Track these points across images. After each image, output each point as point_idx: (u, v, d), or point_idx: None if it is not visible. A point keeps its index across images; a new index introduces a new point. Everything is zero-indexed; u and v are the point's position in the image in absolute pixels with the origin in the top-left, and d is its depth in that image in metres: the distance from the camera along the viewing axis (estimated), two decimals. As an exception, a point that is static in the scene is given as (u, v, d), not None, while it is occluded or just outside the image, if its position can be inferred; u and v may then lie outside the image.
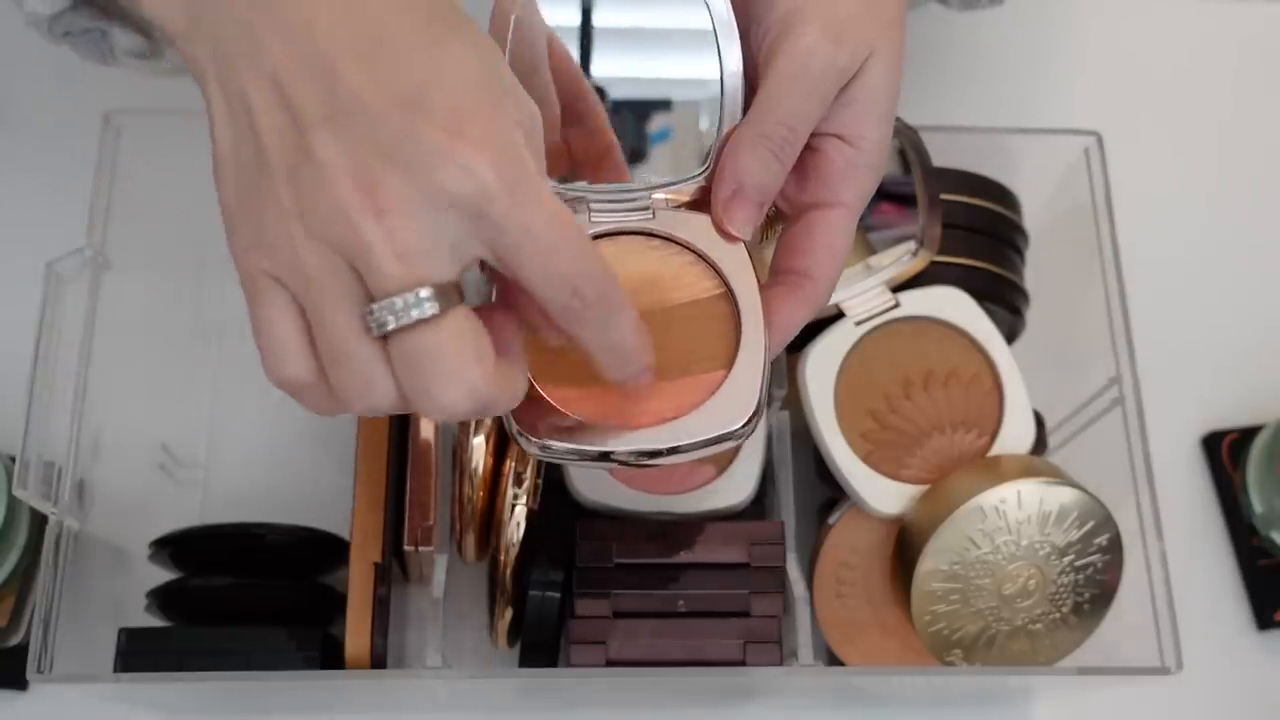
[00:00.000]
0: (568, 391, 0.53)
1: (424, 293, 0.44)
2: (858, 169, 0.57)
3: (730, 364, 0.55)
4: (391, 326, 0.44)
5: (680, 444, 0.54)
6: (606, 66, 0.59)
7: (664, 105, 0.61)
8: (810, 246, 0.57)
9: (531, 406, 0.52)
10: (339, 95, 0.43)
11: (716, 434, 0.54)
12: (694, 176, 0.58)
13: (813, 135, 0.56)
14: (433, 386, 0.45)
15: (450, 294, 0.44)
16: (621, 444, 0.53)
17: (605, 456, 0.53)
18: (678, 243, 0.58)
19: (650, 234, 0.58)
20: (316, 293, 0.44)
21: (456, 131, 0.43)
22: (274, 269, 0.45)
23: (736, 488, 0.71)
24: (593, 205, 0.57)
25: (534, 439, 0.53)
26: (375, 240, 0.43)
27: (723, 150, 0.56)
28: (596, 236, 0.57)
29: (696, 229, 0.58)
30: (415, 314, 0.44)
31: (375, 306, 0.44)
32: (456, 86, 0.44)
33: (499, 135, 0.44)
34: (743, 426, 0.54)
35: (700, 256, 0.58)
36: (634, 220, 0.58)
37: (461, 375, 0.45)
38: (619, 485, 0.70)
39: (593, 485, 0.70)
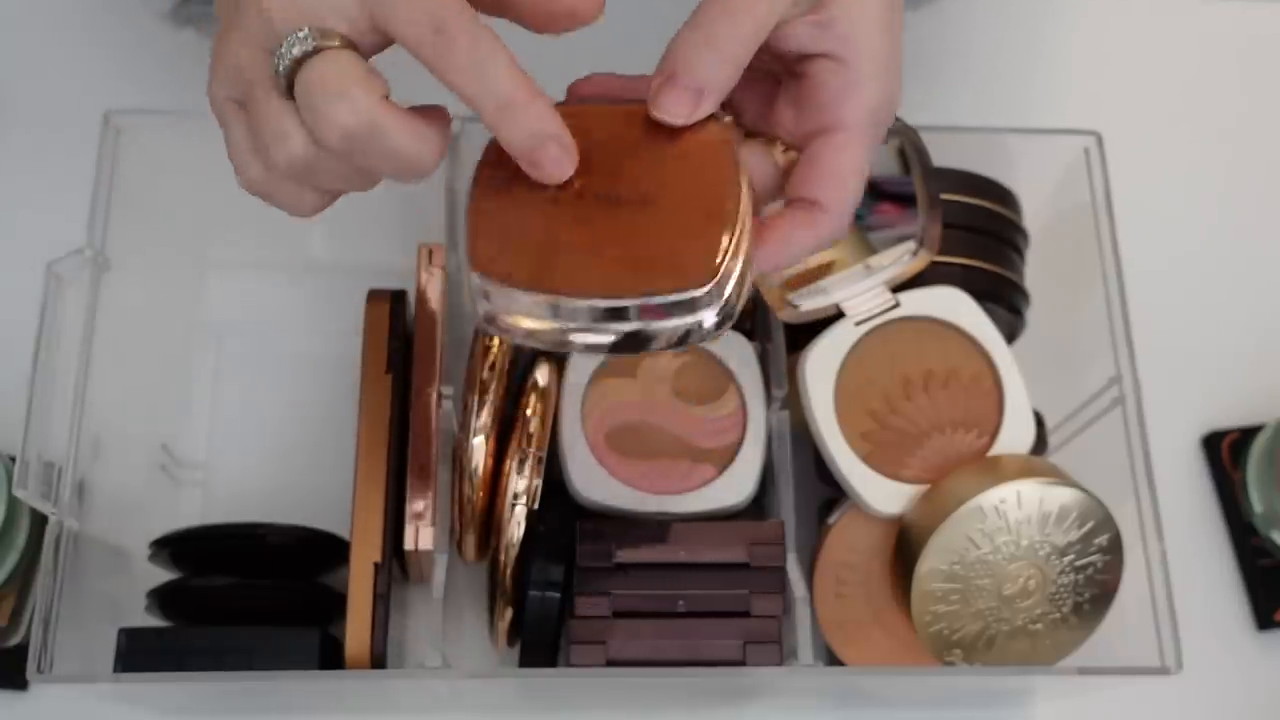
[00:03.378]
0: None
1: (302, 32, 0.49)
2: (855, 86, 0.55)
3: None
4: (283, 67, 0.50)
5: (633, 303, 0.52)
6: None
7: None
8: (816, 174, 0.55)
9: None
10: None
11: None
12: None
13: (800, 60, 0.55)
14: (320, 105, 0.49)
15: (330, 35, 0.50)
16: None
17: (557, 313, 0.52)
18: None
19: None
20: (245, 75, 0.51)
21: None
22: (227, 87, 0.53)
23: (736, 487, 0.71)
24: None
25: (495, 320, 0.53)
26: (270, 9, 0.50)
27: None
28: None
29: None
30: (298, 50, 0.49)
31: (273, 62, 0.50)
32: None
33: None
34: (705, 293, 0.52)
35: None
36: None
37: (344, 93, 0.49)
38: (620, 486, 0.70)
39: (592, 485, 0.70)
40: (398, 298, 0.75)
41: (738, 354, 0.73)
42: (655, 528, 0.69)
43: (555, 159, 0.52)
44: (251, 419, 0.83)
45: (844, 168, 0.55)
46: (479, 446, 0.70)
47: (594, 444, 0.71)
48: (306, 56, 0.49)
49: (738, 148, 0.55)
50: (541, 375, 0.72)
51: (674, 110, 0.54)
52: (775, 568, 0.68)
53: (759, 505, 0.72)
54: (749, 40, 0.53)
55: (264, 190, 0.56)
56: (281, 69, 0.50)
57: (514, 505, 0.70)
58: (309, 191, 0.55)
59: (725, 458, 0.72)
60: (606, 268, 0.52)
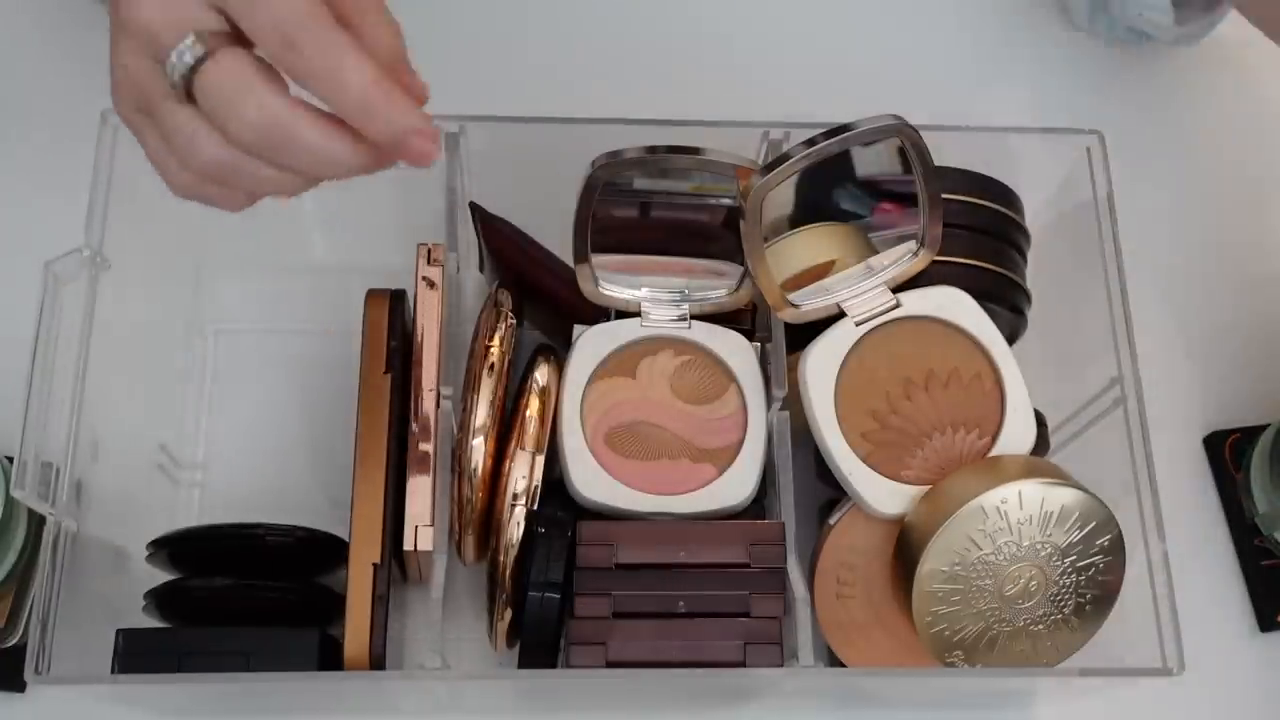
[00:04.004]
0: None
1: (188, 40, 0.50)
2: None
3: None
4: (178, 76, 0.51)
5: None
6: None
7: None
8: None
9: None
10: None
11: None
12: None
13: None
14: (227, 108, 0.50)
15: (214, 38, 0.50)
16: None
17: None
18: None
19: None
20: (143, 90, 0.52)
21: None
22: (129, 100, 0.53)
23: (737, 488, 0.71)
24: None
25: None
26: (143, 20, 0.50)
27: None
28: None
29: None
30: (189, 57, 0.50)
31: (164, 69, 0.51)
32: None
33: None
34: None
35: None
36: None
37: (248, 90, 0.50)
38: (620, 486, 0.70)
39: (592, 486, 0.70)
40: (397, 297, 0.75)
41: (738, 353, 0.73)
42: (655, 528, 0.69)
43: (420, 149, 0.51)
44: (250, 419, 0.83)
45: None
46: (479, 446, 0.70)
47: (594, 444, 0.71)
48: (199, 62, 0.50)
49: None
50: (541, 375, 0.71)
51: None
52: (775, 568, 0.68)
53: (759, 505, 0.72)
54: None
55: (193, 194, 0.56)
56: (177, 78, 0.51)
57: (514, 505, 0.70)
58: (238, 191, 0.56)
59: (726, 458, 0.71)
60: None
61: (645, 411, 0.72)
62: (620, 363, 0.73)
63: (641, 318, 0.73)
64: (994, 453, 0.70)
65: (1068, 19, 0.95)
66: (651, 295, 0.73)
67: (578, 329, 0.73)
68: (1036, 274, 0.77)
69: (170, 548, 0.72)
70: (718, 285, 0.73)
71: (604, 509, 0.70)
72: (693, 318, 0.73)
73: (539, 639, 0.70)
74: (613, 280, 0.72)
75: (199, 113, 0.51)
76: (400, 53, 0.53)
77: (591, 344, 0.73)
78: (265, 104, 0.50)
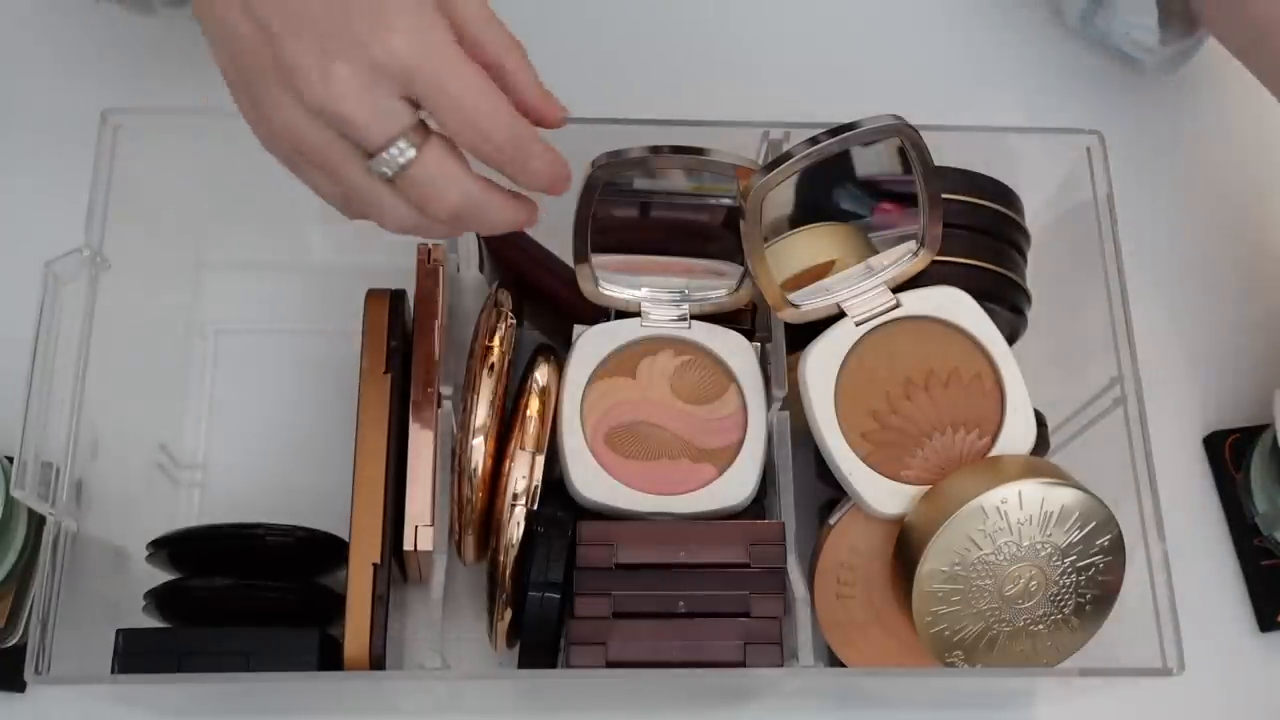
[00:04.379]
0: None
1: (401, 143, 0.56)
2: None
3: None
4: (390, 174, 0.57)
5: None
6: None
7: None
8: None
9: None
10: (290, 8, 0.55)
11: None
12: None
13: None
14: (436, 200, 0.58)
15: (420, 133, 0.57)
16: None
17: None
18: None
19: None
20: (327, 159, 0.57)
21: (382, 23, 0.55)
22: (293, 149, 0.58)
23: (737, 488, 0.71)
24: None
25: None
26: (351, 114, 0.55)
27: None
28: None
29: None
30: (402, 160, 0.56)
31: (371, 164, 0.57)
32: None
33: (417, 22, 0.55)
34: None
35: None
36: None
37: (453, 183, 0.58)
38: (620, 486, 0.70)
39: (592, 486, 0.70)
40: (397, 297, 0.75)
41: (738, 353, 0.73)
42: (655, 528, 0.69)
43: (562, 188, 0.61)
44: (250, 419, 0.83)
45: None
46: (479, 446, 0.70)
47: (594, 444, 0.71)
48: (411, 162, 0.57)
49: None
50: (541, 375, 0.71)
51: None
52: (775, 568, 0.68)
53: (759, 505, 0.72)
54: None
55: (375, 219, 0.61)
56: (388, 173, 0.57)
57: (514, 505, 0.70)
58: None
59: (726, 458, 0.71)
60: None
61: (645, 411, 0.72)
62: (620, 363, 0.72)
63: (641, 318, 0.73)
64: (994, 453, 0.70)
65: (1062, 19, 0.94)
66: (651, 295, 0.73)
67: (578, 329, 0.73)
68: (1036, 274, 0.77)
69: (170, 548, 0.72)
70: (718, 285, 0.73)
71: (604, 509, 0.70)
72: (693, 318, 0.73)
73: (539, 639, 0.70)
74: (613, 280, 0.72)
75: (395, 190, 0.58)
76: (540, 85, 0.60)
77: (591, 344, 0.72)
78: (467, 191, 0.58)
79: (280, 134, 0.57)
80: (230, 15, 0.56)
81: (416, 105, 0.56)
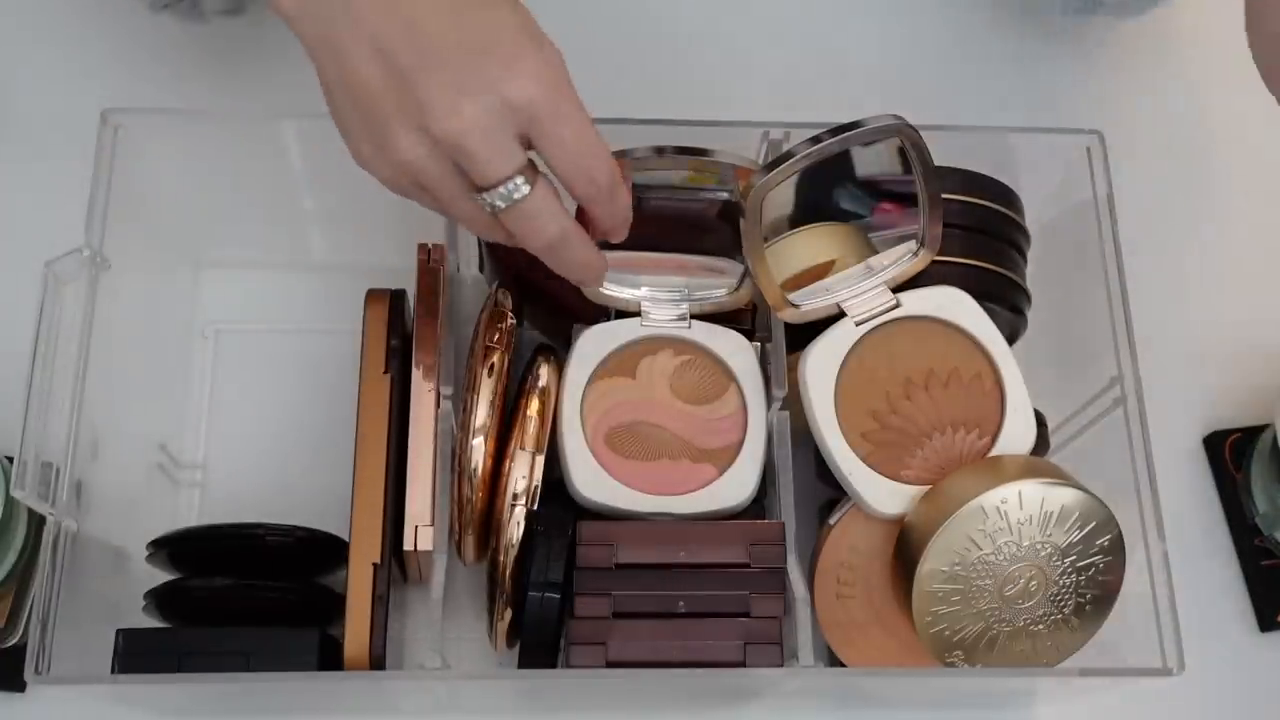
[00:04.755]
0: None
1: (518, 179, 0.60)
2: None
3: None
4: (503, 207, 0.60)
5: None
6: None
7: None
8: None
9: None
10: (424, 47, 0.57)
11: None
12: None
13: None
14: (536, 233, 0.61)
15: (532, 173, 0.60)
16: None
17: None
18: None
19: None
20: (440, 188, 0.61)
21: (512, 66, 0.58)
22: (411, 182, 0.61)
23: (738, 488, 0.71)
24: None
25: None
26: (475, 150, 0.58)
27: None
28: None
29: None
30: (517, 195, 0.60)
31: (486, 196, 0.60)
32: (507, 34, 0.59)
33: (542, 67, 0.59)
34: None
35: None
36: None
37: (554, 220, 0.61)
38: (620, 486, 0.70)
39: (592, 486, 0.70)
40: (397, 297, 0.75)
41: (739, 353, 0.73)
42: (655, 528, 0.69)
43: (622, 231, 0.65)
44: (250, 419, 0.83)
45: None
46: (479, 446, 0.70)
47: (594, 444, 0.71)
48: (524, 198, 0.60)
49: None
50: (541, 375, 0.71)
51: None
52: (775, 568, 0.68)
53: (759, 505, 0.72)
54: None
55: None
56: (501, 205, 0.60)
57: (514, 505, 0.70)
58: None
59: (726, 458, 0.71)
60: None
61: (645, 412, 0.72)
62: (620, 363, 0.72)
63: (641, 317, 0.73)
64: (994, 453, 0.70)
65: (1067, 18, 0.94)
66: (651, 295, 0.73)
67: (577, 329, 0.73)
68: (1036, 274, 0.77)
69: (170, 548, 0.72)
70: (718, 284, 0.73)
71: (604, 509, 0.70)
72: (693, 317, 0.73)
73: (539, 639, 0.70)
74: (612, 279, 0.72)
75: (497, 219, 0.61)
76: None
77: (591, 344, 0.72)
78: (565, 228, 0.61)
79: (402, 168, 0.60)
80: (353, 47, 0.58)
81: (528, 145, 0.60)
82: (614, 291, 0.72)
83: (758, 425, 0.72)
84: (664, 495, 0.70)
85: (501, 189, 0.59)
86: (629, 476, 0.70)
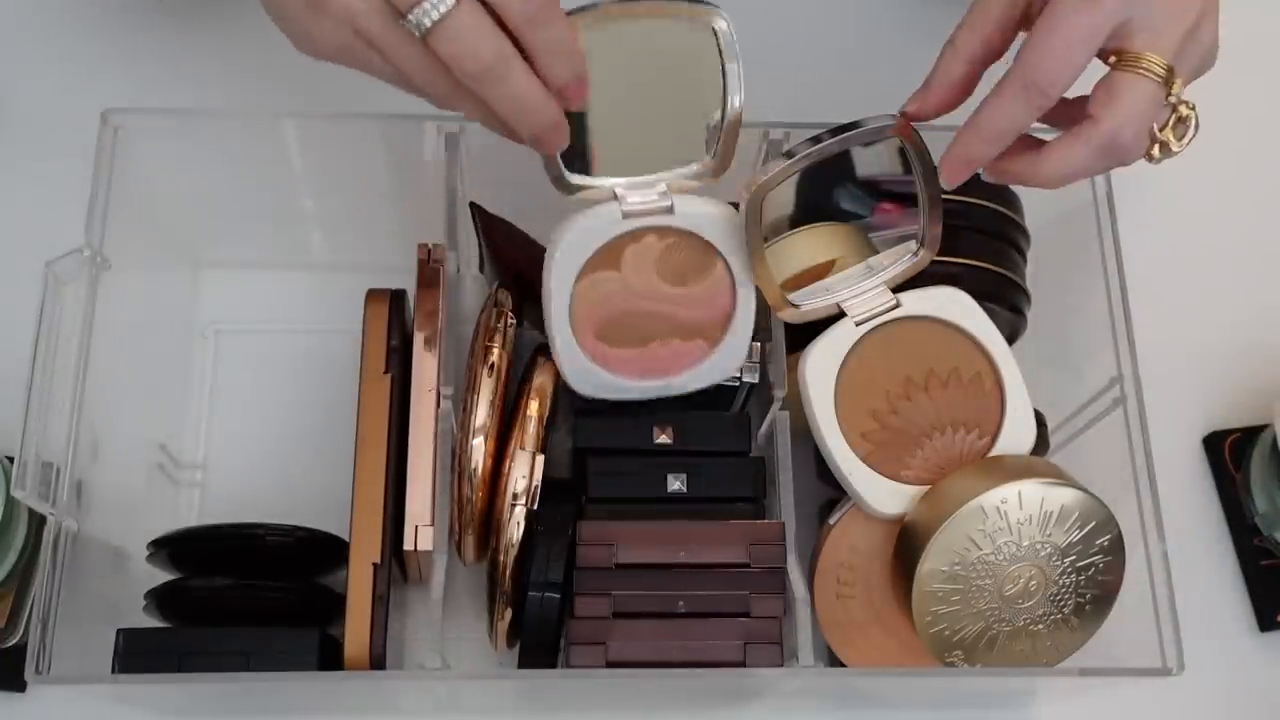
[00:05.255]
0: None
1: None
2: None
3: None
4: (429, 26, 0.58)
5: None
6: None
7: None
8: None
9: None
10: None
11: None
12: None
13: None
14: (471, 55, 0.58)
15: None
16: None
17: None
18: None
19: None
20: (371, 24, 0.59)
21: None
22: (342, 34, 0.60)
23: (731, 359, 0.72)
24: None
25: None
26: None
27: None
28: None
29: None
30: (442, 8, 0.57)
31: (411, 17, 0.58)
32: None
33: None
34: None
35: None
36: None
37: (487, 40, 0.58)
38: (613, 377, 0.71)
39: (587, 381, 0.71)
40: (397, 297, 0.75)
41: (720, 225, 0.69)
42: (655, 528, 0.69)
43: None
44: (250, 419, 0.83)
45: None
46: (479, 446, 0.70)
47: (583, 340, 0.70)
48: (447, 14, 0.57)
49: None
50: (541, 375, 0.71)
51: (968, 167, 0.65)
52: (775, 568, 0.68)
53: (759, 505, 0.72)
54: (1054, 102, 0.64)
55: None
56: (426, 24, 0.57)
57: (514, 505, 0.70)
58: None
59: (717, 330, 0.71)
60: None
61: (633, 301, 0.70)
62: (605, 256, 0.69)
63: (620, 203, 0.68)
64: (994, 453, 0.70)
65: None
66: (628, 180, 0.68)
67: (555, 228, 0.69)
68: (1036, 274, 0.77)
69: (170, 548, 0.72)
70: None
71: (601, 399, 0.71)
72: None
73: (539, 639, 0.70)
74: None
75: (429, 51, 0.59)
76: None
77: (576, 239, 0.68)
78: (500, 49, 0.58)
79: (337, 17, 0.59)
80: None
81: None
82: (587, 180, 0.68)
83: (747, 295, 0.71)
84: (658, 378, 0.71)
85: (425, 4, 0.57)
86: (622, 366, 0.71)
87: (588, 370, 0.70)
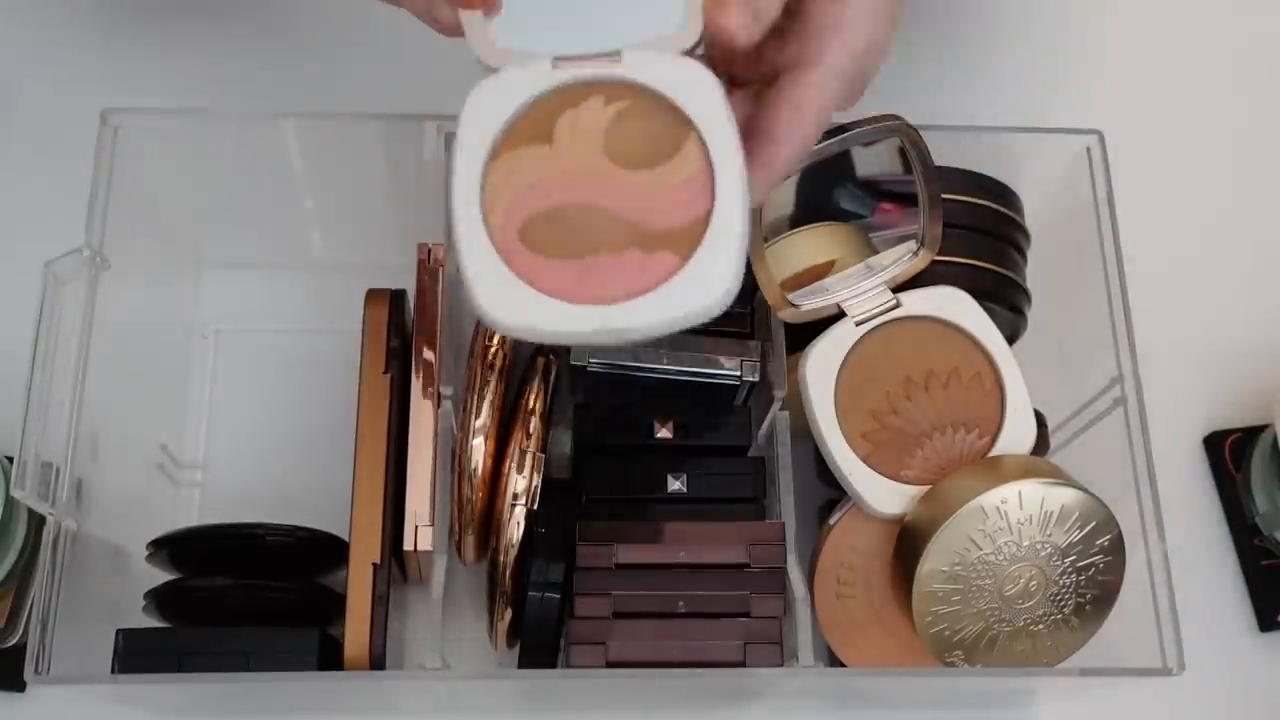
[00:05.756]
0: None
1: None
2: (842, 27, 0.55)
3: (698, 241, 0.51)
4: None
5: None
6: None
7: None
8: (777, 106, 0.54)
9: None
10: None
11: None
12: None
13: None
14: None
15: None
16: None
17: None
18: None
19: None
20: None
21: None
22: None
23: (708, 279, 0.52)
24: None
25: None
26: None
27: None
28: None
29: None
30: None
31: None
32: None
33: None
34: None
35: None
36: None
37: None
38: (545, 300, 0.52)
39: (506, 305, 0.52)
40: (397, 297, 0.75)
41: (695, 90, 0.53)
42: (655, 528, 0.69)
43: None
44: (250, 419, 0.83)
45: (807, 103, 0.54)
46: (479, 447, 0.70)
47: (502, 244, 0.52)
48: None
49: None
50: (542, 375, 0.71)
51: (747, 28, 0.53)
52: (775, 568, 0.68)
53: (759, 505, 0.72)
54: None
55: None
56: None
57: (514, 505, 0.70)
58: None
59: (690, 239, 0.52)
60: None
61: (570, 189, 0.53)
62: (530, 126, 0.53)
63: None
64: (994, 453, 0.70)
65: (1062, 18, 0.95)
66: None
67: (471, 91, 0.54)
68: (1036, 274, 0.77)
69: (170, 547, 0.72)
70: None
71: (527, 335, 0.52)
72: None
73: (539, 639, 0.70)
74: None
75: None
76: None
77: (488, 101, 0.53)
78: None
79: None
80: None
81: None
82: (521, 46, 0.53)
83: (731, 187, 0.52)
84: (608, 305, 0.51)
85: None
86: (557, 284, 0.52)
87: (507, 287, 0.51)
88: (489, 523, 0.71)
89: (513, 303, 0.52)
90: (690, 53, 0.54)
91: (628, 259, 0.52)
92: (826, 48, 0.54)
